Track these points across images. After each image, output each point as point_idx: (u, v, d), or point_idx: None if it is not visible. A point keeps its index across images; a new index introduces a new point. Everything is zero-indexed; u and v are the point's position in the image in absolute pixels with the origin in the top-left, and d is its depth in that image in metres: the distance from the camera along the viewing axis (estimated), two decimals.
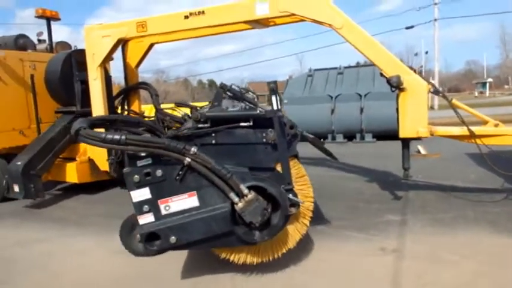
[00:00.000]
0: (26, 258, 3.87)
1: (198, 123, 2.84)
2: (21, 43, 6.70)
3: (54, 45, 7.10)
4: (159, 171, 2.70)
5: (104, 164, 5.84)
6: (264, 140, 2.83)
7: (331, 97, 10.67)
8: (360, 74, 11.04)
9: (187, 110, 6.57)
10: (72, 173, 5.95)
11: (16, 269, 3.60)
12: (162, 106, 6.69)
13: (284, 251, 3.08)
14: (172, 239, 2.75)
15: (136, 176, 2.68)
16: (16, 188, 5.43)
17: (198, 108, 6.61)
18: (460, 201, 4.79)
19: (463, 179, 5.80)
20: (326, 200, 5.11)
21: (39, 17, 6.90)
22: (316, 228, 4.03)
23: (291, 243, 3.08)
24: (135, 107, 6.77)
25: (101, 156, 5.82)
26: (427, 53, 34.87)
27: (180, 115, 6.39)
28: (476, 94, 45.08)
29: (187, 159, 2.64)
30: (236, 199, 2.70)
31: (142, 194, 2.72)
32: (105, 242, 4.13)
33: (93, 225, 4.75)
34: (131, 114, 6.68)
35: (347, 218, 4.40)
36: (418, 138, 4.49)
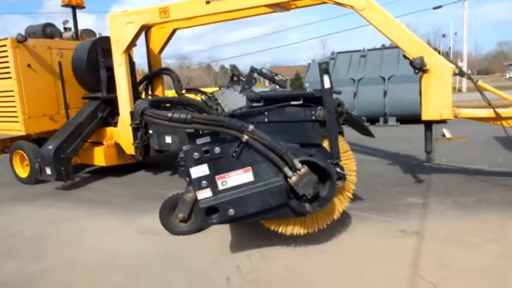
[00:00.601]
0: (57, 235, 4.09)
1: (252, 102, 2.99)
2: (48, 32, 6.91)
3: (79, 33, 7.27)
4: (217, 148, 2.88)
5: (129, 148, 6.04)
6: (313, 117, 2.99)
7: (354, 80, 10.52)
8: (384, 57, 10.79)
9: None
10: (99, 157, 6.18)
11: (48, 246, 3.82)
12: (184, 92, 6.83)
13: (329, 222, 3.25)
14: (231, 211, 2.93)
15: (196, 153, 2.87)
16: (48, 171, 5.70)
17: (210, 94, 6.75)
18: (485, 185, 4.71)
19: (489, 163, 5.66)
20: None
21: (66, 5, 7.07)
22: None
23: (335, 214, 3.24)
24: (158, 92, 6.94)
25: (126, 141, 6.02)
26: (455, 34, 33.52)
27: (200, 99, 6.53)
28: (508, 76, 43.14)
29: (245, 137, 2.81)
30: (290, 173, 2.86)
31: (201, 170, 2.90)
32: (130, 221, 4.31)
33: (119, 205, 4.95)
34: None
35: (367, 201, 4.41)
36: (442, 121, 4.42)
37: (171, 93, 8.46)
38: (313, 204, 2.99)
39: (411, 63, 4.11)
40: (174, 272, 3.12)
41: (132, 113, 5.87)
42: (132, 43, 5.88)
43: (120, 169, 6.60)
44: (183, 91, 6.81)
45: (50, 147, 5.67)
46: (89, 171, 7.03)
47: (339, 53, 11.71)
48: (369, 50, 11.38)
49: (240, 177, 2.92)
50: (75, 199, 5.43)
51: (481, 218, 3.74)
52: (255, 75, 5.66)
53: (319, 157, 2.99)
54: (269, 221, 3.16)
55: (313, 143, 3.03)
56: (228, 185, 2.92)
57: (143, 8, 5.72)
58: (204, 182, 2.89)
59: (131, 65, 6.59)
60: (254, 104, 2.96)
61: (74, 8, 7.17)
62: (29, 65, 6.14)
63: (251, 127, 2.80)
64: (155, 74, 6.81)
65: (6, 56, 6.01)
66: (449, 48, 30.96)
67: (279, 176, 2.91)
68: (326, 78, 2.91)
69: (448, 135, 7.60)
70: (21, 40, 5.97)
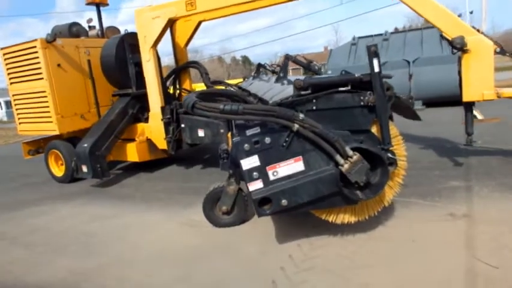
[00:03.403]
0: (104, 232, 4.16)
1: (300, 90, 2.95)
2: (74, 31, 6.98)
3: (104, 30, 7.32)
4: (268, 138, 2.86)
5: (161, 143, 6.10)
6: (362, 103, 2.92)
7: None
8: (407, 39, 10.56)
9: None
10: (132, 153, 6.26)
11: (98, 242, 3.90)
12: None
13: (379, 209, 3.21)
14: (284, 202, 2.93)
15: (246, 144, 2.86)
16: (84, 169, 5.81)
17: (233, 86, 6.71)
18: None
19: None
20: None
21: (90, 3, 7.12)
22: None
23: (386, 201, 3.19)
24: (186, 85, 6.96)
25: (159, 135, 6.07)
26: (471, 13, 32.48)
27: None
28: None
29: (296, 126, 2.78)
30: (342, 161, 2.82)
31: (251, 161, 2.89)
32: (173, 215, 4.36)
33: (159, 200, 5.02)
34: (183, 93, 6.87)
35: (407, 186, 4.31)
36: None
37: (199, 86, 8.45)
38: (365, 191, 2.96)
39: (451, 43, 4.01)
40: (228, 263, 3.15)
41: (163, 108, 5.92)
42: (160, 38, 5.90)
43: (151, 165, 6.69)
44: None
45: (85, 145, 5.77)
46: (120, 168, 7.14)
47: (360, 37, 11.50)
48: (392, 33, 11.14)
49: (290, 166, 2.90)
50: (113, 196, 5.51)
51: None
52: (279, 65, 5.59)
53: (370, 143, 2.94)
54: (320, 210, 3.15)
55: (362, 129, 2.98)
56: (279, 175, 2.90)
57: (169, 2, 5.72)
58: (255, 173, 2.89)
59: (158, 60, 6.64)
60: (302, 92, 2.92)
61: (98, 5, 7.22)
62: (59, 65, 6.23)
63: (301, 115, 2.77)
64: (182, 68, 6.82)
65: (37, 57, 6.10)
66: None
67: (329, 164, 2.88)
68: (375, 61, 2.85)
69: (479, 116, 7.39)
70: (50, 40, 6.04)
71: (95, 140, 5.81)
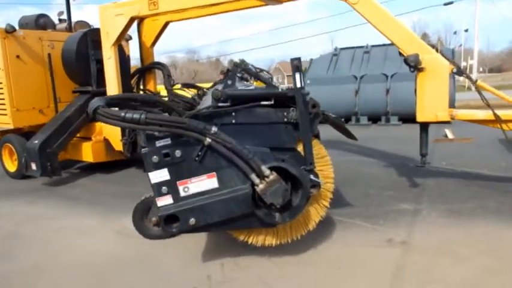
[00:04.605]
0: (32, 234, 3.96)
1: (218, 102, 2.76)
2: (41, 22, 6.77)
3: (73, 24, 7.12)
4: (178, 151, 2.66)
5: (118, 144, 5.89)
6: (286, 119, 2.75)
7: (356, 78, 10.22)
8: (388, 53, 10.45)
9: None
10: (87, 152, 6.04)
11: (21, 245, 3.69)
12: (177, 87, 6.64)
13: (303, 233, 3.02)
14: (192, 220, 2.72)
15: (155, 156, 2.65)
16: (33, 166, 5.58)
17: (205, 90, 6.53)
18: (484, 191, 4.44)
19: (491, 167, 5.37)
20: (337, 185, 4.89)
21: None
22: None
23: (311, 225, 3.02)
24: (150, 86, 6.77)
25: (115, 136, 5.87)
26: (466, 31, 32.80)
27: (189, 96, 6.33)
28: None
29: (208, 140, 2.58)
30: (257, 180, 2.63)
31: (160, 175, 2.68)
32: (111, 222, 4.16)
33: (103, 204, 4.81)
34: (147, 94, 6.67)
35: (356, 206, 4.19)
36: (447, 122, 4.17)
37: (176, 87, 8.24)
38: (283, 214, 2.76)
39: (405, 60, 3.86)
40: (143, 278, 2.96)
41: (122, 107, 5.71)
42: (122, 36, 5.72)
43: (112, 166, 6.47)
44: (178, 86, 6.63)
45: (36, 141, 5.55)
46: (79, 167, 6.91)
47: (342, 49, 11.39)
48: (373, 46, 11.04)
49: (203, 183, 2.69)
50: (60, 196, 5.31)
51: (475, 228, 3.49)
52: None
53: (292, 163, 2.75)
54: (237, 230, 2.95)
55: (286, 147, 2.79)
56: (191, 192, 2.69)
57: (133, 0, 5.54)
58: (164, 188, 2.67)
59: (124, 58, 6.45)
60: (220, 104, 2.73)
61: None
62: (17, 56, 6.01)
63: (214, 129, 2.57)
64: (147, 68, 6.63)
65: None
66: (460, 45, 30.32)
67: (246, 183, 2.68)
68: (297, 76, 2.67)
69: (450, 136, 7.33)
70: (9, 30, 5.84)
71: (47, 137, 5.59)
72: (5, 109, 6.08)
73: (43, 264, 3.28)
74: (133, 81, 6.64)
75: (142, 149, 2.67)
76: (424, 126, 4.25)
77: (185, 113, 2.89)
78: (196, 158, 2.65)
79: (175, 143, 2.64)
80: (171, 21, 6.19)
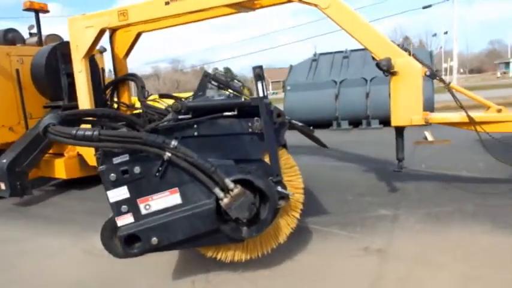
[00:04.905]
0: None
1: (178, 114, 2.65)
2: (10, 37, 6.59)
3: (44, 38, 6.95)
4: (137, 168, 2.53)
5: (92, 159, 5.70)
6: (250, 129, 2.65)
7: (336, 82, 10.23)
8: (366, 58, 10.49)
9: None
10: (60, 169, 5.84)
11: None
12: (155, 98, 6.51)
13: (274, 246, 2.92)
14: (154, 240, 2.59)
15: (112, 174, 2.52)
16: (2, 186, 5.36)
17: (183, 99, 6.42)
18: (462, 193, 4.42)
19: (469, 168, 5.39)
20: (315, 192, 4.84)
21: (27, 9, 6.74)
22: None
23: (281, 237, 2.91)
24: (124, 99, 6.60)
25: (89, 151, 5.68)
26: (446, 33, 33.40)
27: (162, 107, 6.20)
28: (499, 74, 43.13)
29: (168, 154, 2.46)
30: (221, 194, 2.51)
31: (120, 193, 2.56)
32: (82, 241, 3.99)
33: (75, 223, 4.62)
34: (121, 107, 6.52)
35: (333, 213, 4.12)
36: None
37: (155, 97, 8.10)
38: (251, 228, 2.66)
39: (377, 65, 3.82)
40: None
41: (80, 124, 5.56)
42: (92, 48, 5.56)
43: (86, 182, 6.25)
44: (154, 97, 6.50)
45: (4, 160, 5.33)
46: (53, 185, 6.68)
47: (321, 54, 11.43)
48: (352, 50, 11.10)
49: (165, 199, 2.57)
50: (31, 216, 5.11)
51: (452, 233, 3.43)
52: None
53: (258, 175, 2.65)
54: (204, 247, 2.84)
55: (252, 158, 2.70)
56: (153, 209, 2.57)
57: (103, 11, 5.42)
58: (124, 206, 2.55)
59: (97, 71, 6.31)
60: (181, 117, 2.63)
61: (37, 12, 6.84)
62: None
63: (173, 143, 2.46)
64: (120, 80, 6.48)
65: None
66: (441, 47, 30.86)
67: (211, 198, 2.57)
68: (259, 85, 2.59)
69: (429, 138, 7.29)
70: None
71: (16, 155, 5.39)
72: None
73: None
74: (107, 93, 6.48)
75: (99, 167, 2.53)
76: (400, 131, 4.20)
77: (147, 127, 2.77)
78: (157, 174, 2.54)
79: (134, 158, 2.52)
80: (144, 31, 6.06)
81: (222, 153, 2.63)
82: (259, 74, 2.61)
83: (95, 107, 5.73)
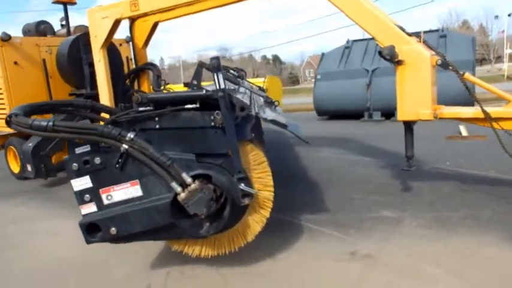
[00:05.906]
0: (10, 236, 4.07)
1: (139, 106, 2.61)
2: (41, 29, 6.95)
3: (73, 29, 7.23)
4: (98, 158, 2.56)
5: None
6: (213, 123, 2.53)
7: (368, 71, 9.67)
8: (368, 47, 9.81)
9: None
10: None
11: None
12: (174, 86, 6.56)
13: (242, 244, 2.83)
14: (113, 230, 2.62)
15: (74, 163, 2.56)
16: (29, 168, 5.73)
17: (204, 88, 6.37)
18: (481, 197, 3.99)
19: (500, 169, 4.81)
20: (322, 186, 4.64)
21: (56, 2, 7.05)
22: (285, 221, 3.67)
23: (249, 236, 2.81)
24: (144, 88, 6.73)
25: None
26: (510, 15, 30.42)
27: None
28: None
29: (124, 146, 2.44)
30: (179, 189, 2.46)
31: (83, 182, 2.60)
32: None
33: None
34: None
35: (332, 211, 3.91)
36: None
37: (175, 87, 8.22)
38: (212, 225, 2.58)
39: (380, 53, 3.50)
40: (87, 285, 2.97)
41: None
42: (109, 38, 5.69)
43: None
44: (171, 86, 6.56)
45: (30, 144, 5.68)
46: None
47: (354, 41, 10.83)
48: (354, 40, 10.41)
49: (126, 191, 2.57)
50: (49, 198, 5.41)
51: (455, 242, 3.09)
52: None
53: (219, 170, 2.54)
54: (169, 240, 2.82)
55: (217, 153, 2.58)
56: (114, 200, 2.59)
57: (116, 2, 5.52)
58: (87, 195, 2.59)
59: (118, 60, 6.47)
60: (141, 109, 2.57)
61: (65, 4, 7.13)
62: (15, 63, 6.17)
63: (130, 135, 2.41)
64: (139, 69, 6.60)
65: None
66: (503, 31, 28.22)
67: (171, 192, 2.51)
68: (217, 76, 2.46)
69: (464, 132, 6.73)
70: (5, 39, 6.00)
71: (41, 140, 5.70)
72: (5, 114, 6.26)
73: (3, 268, 3.35)
74: (127, 82, 6.64)
75: (65, 157, 2.59)
76: (409, 126, 3.87)
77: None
78: (117, 165, 2.53)
79: (94, 149, 2.54)
80: (160, 21, 6.08)
81: (185, 147, 2.55)
82: (215, 65, 2.49)
83: (114, 95, 5.91)
